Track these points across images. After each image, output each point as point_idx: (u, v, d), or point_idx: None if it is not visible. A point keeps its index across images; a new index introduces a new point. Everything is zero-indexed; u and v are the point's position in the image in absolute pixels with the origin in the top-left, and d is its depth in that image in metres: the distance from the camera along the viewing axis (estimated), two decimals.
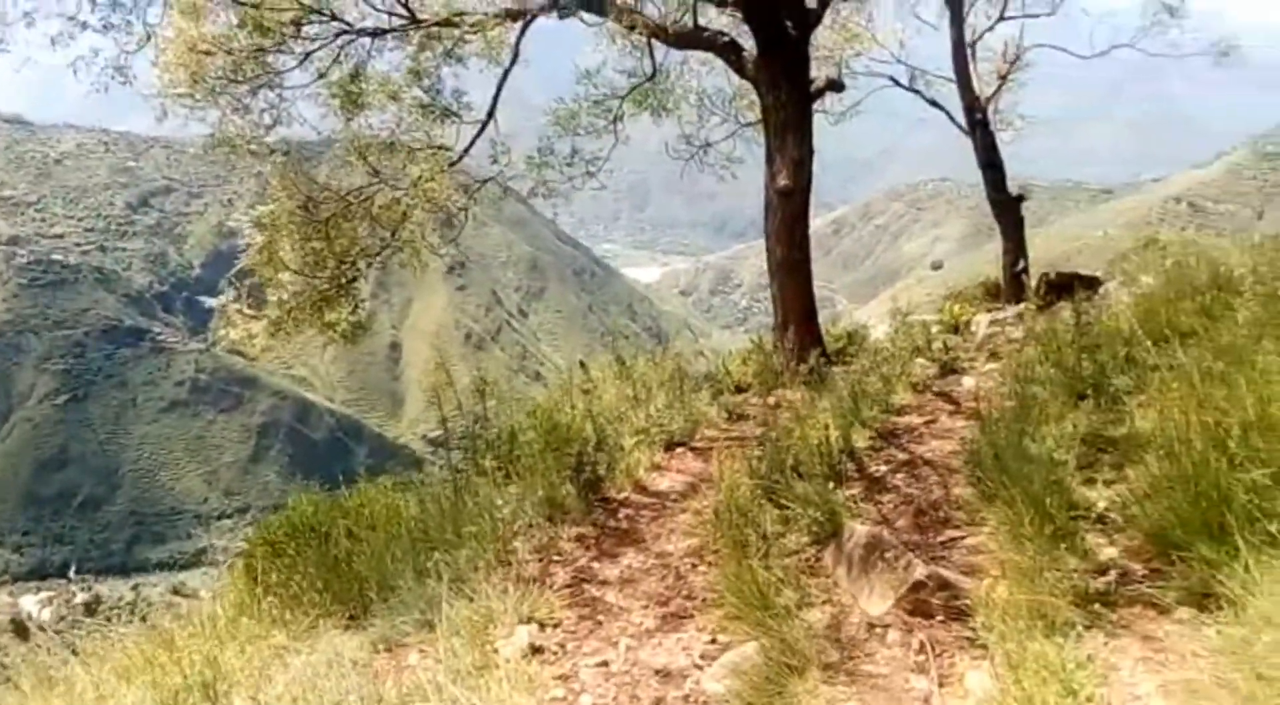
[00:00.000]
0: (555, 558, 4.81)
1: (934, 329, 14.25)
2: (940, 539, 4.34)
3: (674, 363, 9.48)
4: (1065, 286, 12.21)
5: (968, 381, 8.87)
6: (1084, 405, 5.64)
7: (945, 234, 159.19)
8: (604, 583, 4.55)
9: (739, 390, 10.21)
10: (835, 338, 12.94)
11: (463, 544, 4.77)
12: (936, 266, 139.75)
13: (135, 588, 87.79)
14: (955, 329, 13.67)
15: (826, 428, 5.62)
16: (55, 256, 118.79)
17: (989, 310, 14.24)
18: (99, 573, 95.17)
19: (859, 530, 4.11)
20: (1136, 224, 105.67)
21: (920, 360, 10.86)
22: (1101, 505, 4.13)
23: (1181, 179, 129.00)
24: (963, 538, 4.33)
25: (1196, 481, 3.71)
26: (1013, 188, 16.06)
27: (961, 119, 16.01)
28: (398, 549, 4.83)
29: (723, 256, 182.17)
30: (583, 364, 9.12)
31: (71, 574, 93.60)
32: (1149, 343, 6.48)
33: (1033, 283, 14.43)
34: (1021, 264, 15.57)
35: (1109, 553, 3.78)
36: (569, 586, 4.48)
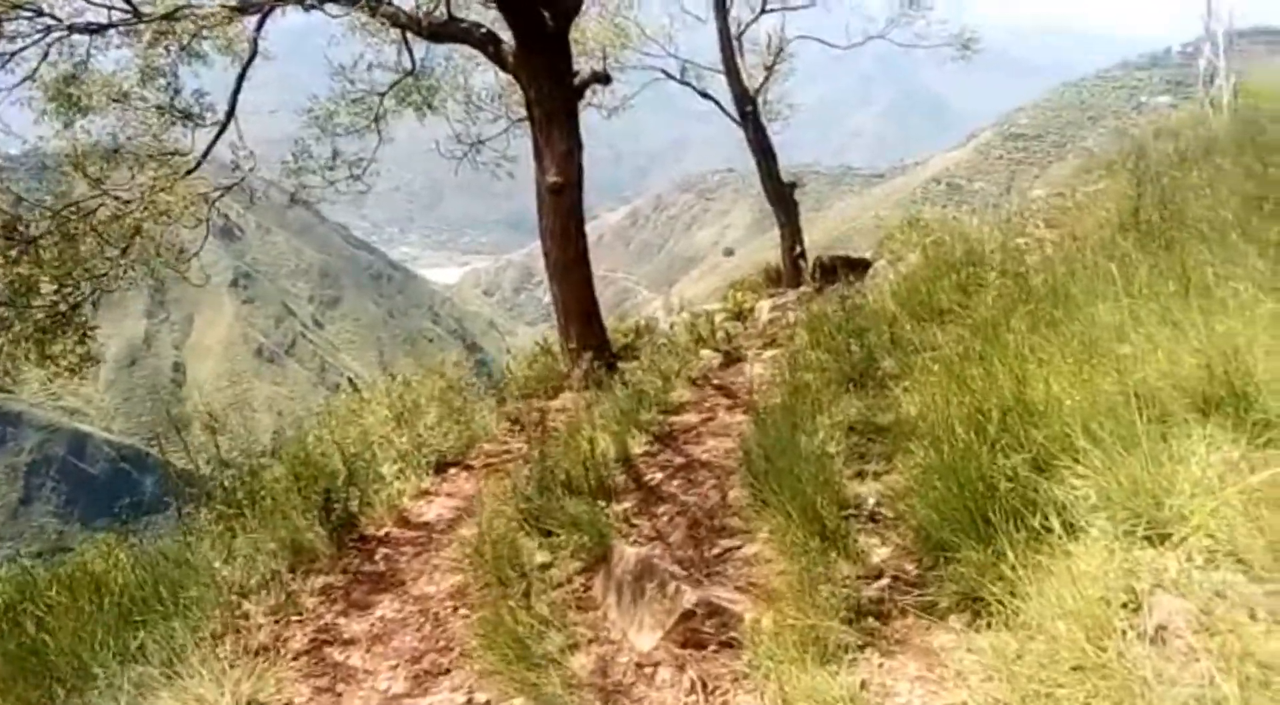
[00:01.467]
0: (294, 617, 4.17)
1: (719, 318, 14.30)
2: (715, 552, 4.02)
3: (452, 372, 8.90)
4: (838, 269, 12.45)
5: (749, 370, 8.78)
6: (854, 391, 5.51)
7: (734, 221, 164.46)
8: (349, 642, 3.95)
9: (524, 397, 9.74)
10: (624, 333, 12.70)
11: (180, 613, 4.05)
12: (729, 253, 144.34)
13: None
14: (739, 316, 13.73)
15: (593, 438, 5.24)
16: None
17: (771, 296, 14.41)
18: None
19: (628, 553, 3.73)
20: (904, 204, 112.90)
21: (705, 351, 10.75)
22: (871, 501, 3.92)
23: (939, 160, 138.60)
24: (738, 548, 4.02)
25: (959, 471, 3.53)
26: (786, 176, 16.36)
27: (733, 110, 16.16)
28: (100, 627, 4.04)
29: (523, 254, 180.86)
30: (351, 382, 8.37)
31: None
32: (911, 323, 6.50)
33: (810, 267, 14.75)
34: (798, 248, 15.89)
35: (881, 554, 3.56)
36: (307, 652, 3.86)
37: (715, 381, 7.42)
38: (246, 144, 9.65)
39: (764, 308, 13.48)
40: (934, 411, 4.25)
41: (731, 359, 9.95)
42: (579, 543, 4.07)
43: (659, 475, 5.10)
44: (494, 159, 12.77)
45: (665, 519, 4.50)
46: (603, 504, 4.49)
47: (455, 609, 4.12)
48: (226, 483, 5.32)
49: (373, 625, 4.08)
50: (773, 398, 5.95)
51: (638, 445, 5.59)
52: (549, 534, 4.32)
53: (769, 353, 9.88)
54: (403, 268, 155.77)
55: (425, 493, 5.83)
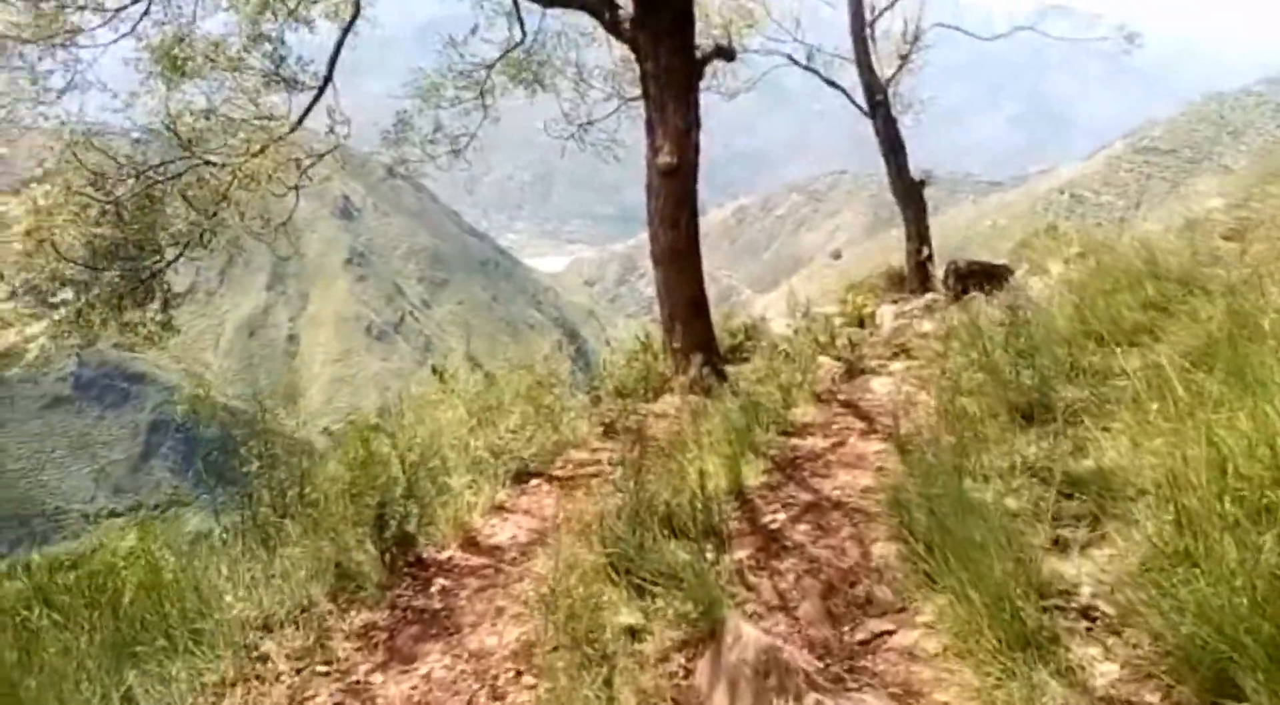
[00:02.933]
0: (321, 667, 3.34)
1: (836, 322, 13.16)
2: (858, 637, 3.03)
3: (542, 367, 8.08)
4: (974, 276, 11.19)
5: (878, 385, 7.68)
6: (1027, 426, 4.42)
7: (844, 224, 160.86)
8: None
9: (621, 396, 8.85)
10: (732, 333, 11.68)
11: (185, 649, 3.26)
12: (836, 256, 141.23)
13: None
14: (859, 322, 12.58)
15: (701, 462, 4.28)
16: None
17: (894, 301, 13.19)
18: None
19: (747, 637, 2.76)
20: (1023, 215, 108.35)
21: (823, 359, 9.67)
22: (1086, 591, 2.85)
23: (1065, 171, 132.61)
24: (890, 633, 3.02)
25: (1225, 560, 2.46)
26: (915, 174, 15.06)
27: (862, 100, 14.94)
28: (90, 657, 3.28)
29: (628, 245, 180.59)
30: (435, 369, 7.60)
31: None
32: (1092, 345, 5.35)
33: (938, 271, 13.48)
34: (926, 252, 14.60)
35: (1107, 674, 2.51)
36: None
37: (842, 397, 6.37)
38: (346, 112, 8.99)
39: (886, 314, 12.30)
40: (1159, 463, 3.17)
41: (855, 370, 8.87)
42: (680, 609, 3.12)
43: (781, 517, 4.10)
44: (603, 141, 11.89)
45: (791, 578, 3.51)
46: (711, 552, 3.52)
47: (518, 675, 3.22)
48: (274, 482, 4.55)
49: (414, 688, 3.22)
50: (918, 425, 4.90)
51: (754, 474, 4.60)
52: (641, 588, 3.38)
53: (897, 365, 8.76)
54: (509, 255, 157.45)
55: (499, 508, 4.97)
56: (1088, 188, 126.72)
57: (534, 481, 5.45)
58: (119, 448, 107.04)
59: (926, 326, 10.71)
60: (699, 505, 3.78)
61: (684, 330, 8.40)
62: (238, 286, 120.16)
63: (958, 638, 2.77)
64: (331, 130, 8.70)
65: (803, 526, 3.97)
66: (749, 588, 3.43)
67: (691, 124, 8.04)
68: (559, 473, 5.67)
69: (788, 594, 3.37)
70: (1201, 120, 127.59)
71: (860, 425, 5.44)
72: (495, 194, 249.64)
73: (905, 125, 15.57)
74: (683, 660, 3.01)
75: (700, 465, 4.24)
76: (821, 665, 2.82)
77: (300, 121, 8.72)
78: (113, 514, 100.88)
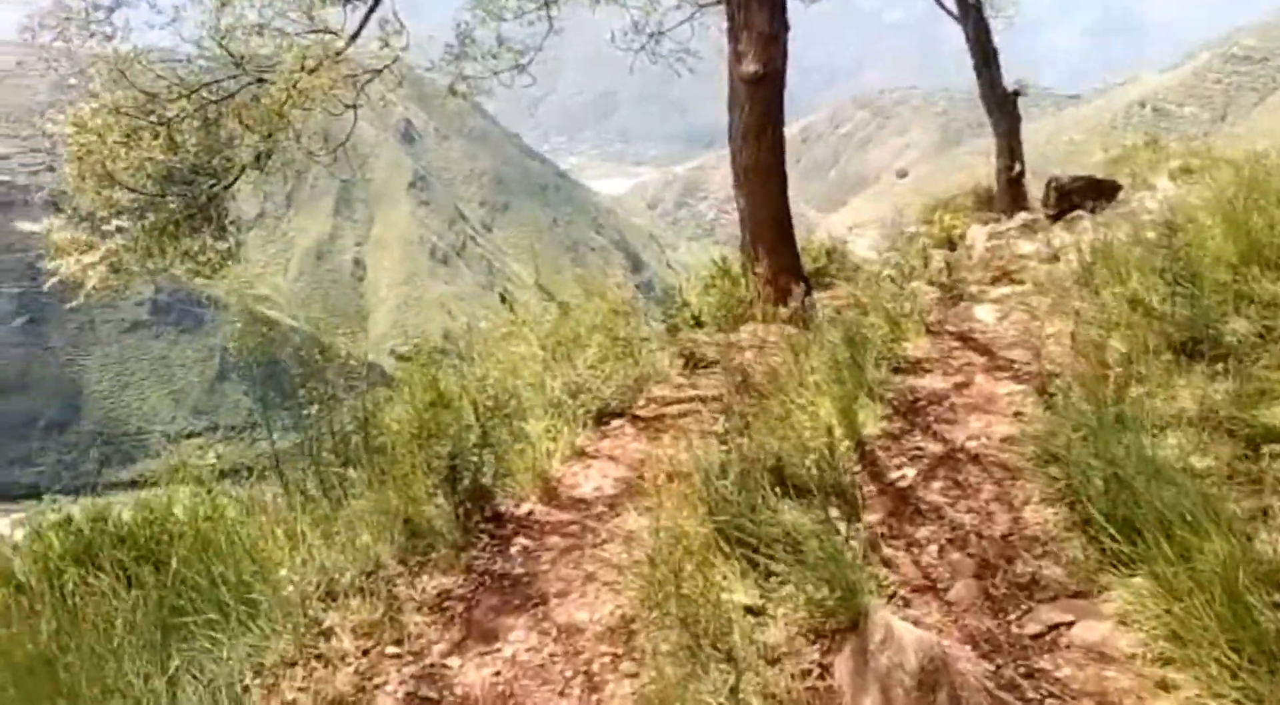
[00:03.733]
0: (391, 647, 2.91)
1: (924, 244, 12.37)
2: (1031, 630, 2.49)
3: (615, 294, 7.56)
4: (1077, 192, 10.29)
5: (982, 313, 7.00)
6: (1192, 366, 3.77)
7: (912, 142, 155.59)
8: (462, 700, 2.67)
9: (699, 325, 8.30)
10: (813, 256, 10.99)
11: (240, 622, 2.86)
12: (902, 175, 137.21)
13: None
14: (949, 243, 11.77)
15: (814, 405, 3.73)
16: (3, 178, 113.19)
17: (985, 221, 12.31)
18: (70, 493, 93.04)
19: (903, 637, 2.24)
20: (1101, 129, 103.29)
21: (917, 284, 8.98)
22: None
23: (1148, 82, 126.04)
24: (1068, 625, 2.47)
25: None
26: (1008, 83, 13.96)
27: (952, 4, 13.79)
28: (135, 631, 2.90)
29: (690, 167, 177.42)
30: (504, 298, 7.12)
31: (43, 496, 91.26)
32: (1260, 270, 4.62)
33: (1032, 189, 12.54)
34: (1018, 168, 13.61)
35: None
36: None
37: (951, 329, 5.71)
38: (403, 22, 8.37)
39: (978, 235, 11.46)
40: None
41: (954, 297, 8.18)
42: (811, 593, 2.60)
43: (909, 472, 3.54)
44: (675, 52, 11.08)
45: (934, 551, 2.97)
46: (838, 517, 2.99)
47: (615, 662, 2.76)
48: (337, 425, 4.13)
49: (498, 674, 2.78)
50: (1053, 361, 4.27)
51: (872, 420, 4.03)
52: (754, 559, 2.87)
53: (999, 290, 8.04)
54: (570, 177, 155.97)
55: (581, 453, 4.49)
56: (1170, 100, 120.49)
57: (615, 422, 4.96)
58: (195, 370, 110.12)
59: (1026, 248, 9.91)
60: (820, 458, 3.24)
61: (768, 254, 7.78)
62: (305, 211, 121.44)
63: (1167, 637, 2.22)
64: (386, 43, 8.09)
65: (937, 484, 3.41)
66: (885, 564, 2.91)
67: (780, 28, 7.28)
68: (642, 412, 5.17)
69: (934, 573, 2.83)
70: None
71: (981, 361, 4.81)
72: (557, 116, 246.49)
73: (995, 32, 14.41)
74: (815, 656, 2.51)
75: (813, 409, 3.69)
76: (991, 668, 2.30)
77: (356, 35, 8.13)
78: (191, 435, 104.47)
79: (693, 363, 6.61)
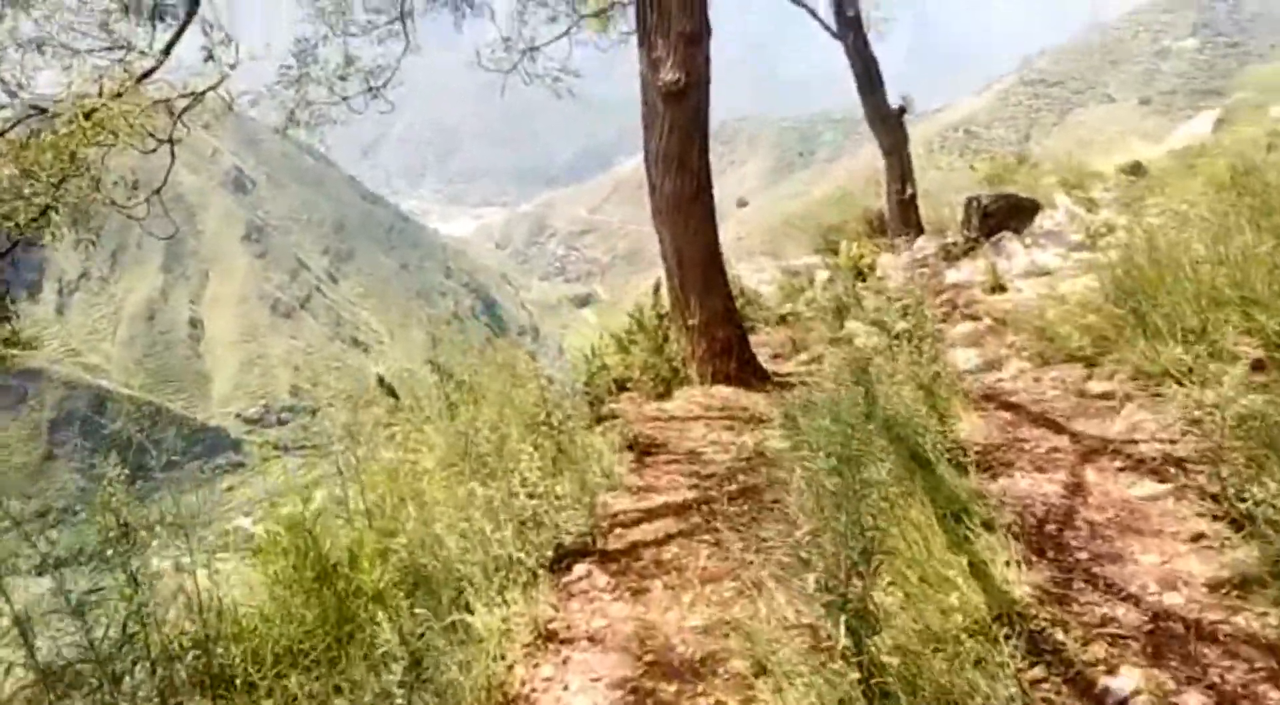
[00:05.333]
0: None
1: (820, 276, 11.34)
2: None
3: (524, 365, 6.04)
4: (999, 213, 9.42)
5: (963, 360, 5.81)
6: None
7: (749, 172, 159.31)
8: None
9: (621, 388, 6.85)
10: None
11: None
12: (742, 204, 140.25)
13: None
14: (857, 274, 10.73)
15: (899, 536, 2.33)
16: None
17: (890, 248, 11.38)
18: None
19: None
20: (921, 152, 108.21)
21: (854, 325, 7.81)
22: None
23: (960, 107, 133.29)
24: None
25: None
26: (893, 101, 13.20)
27: (831, 23, 12.95)
28: None
29: (537, 204, 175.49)
30: (382, 381, 5.44)
31: None
32: None
33: (935, 211, 11.72)
34: (910, 190, 12.82)
35: None
36: None
37: (997, 397, 4.42)
38: (229, 33, 6.62)
39: (891, 264, 10.48)
40: None
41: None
42: None
43: (1130, 680, 2.13)
44: (551, 70, 9.69)
45: None
46: None
47: None
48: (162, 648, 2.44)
49: None
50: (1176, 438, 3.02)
51: (1012, 573, 2.61)
52: None
53: (957, 330, 6.93)
54: (414, 220, 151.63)
55: (548, 637, 2.93)
56: (980, 123, 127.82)
57: (579, 569, 3.42)
58: (19, 451, 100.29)
59: (955, 276, 8.94)
60: (984, 665, 1.80)
61: (700, 301, 6.42)
62: (131, 271, 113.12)
63: None
64: (211, 55, 6.32)
65: (1195, 700, 2.04)
66: None
67: (703, 28, 5.97)
68: (611, 544, 3.65)
69: None
70: (1088, 50, 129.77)
71: (1064, 443, 3.54)
72: (395, 157, 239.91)
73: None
74: None
75: (910, 550, 2.28)
76: None
77: (169, 49, 6.33)
78: (18, 523, 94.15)
79: (640, 451, 5.14)
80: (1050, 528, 2.83)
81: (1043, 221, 9.73)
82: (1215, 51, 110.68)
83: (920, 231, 12.29)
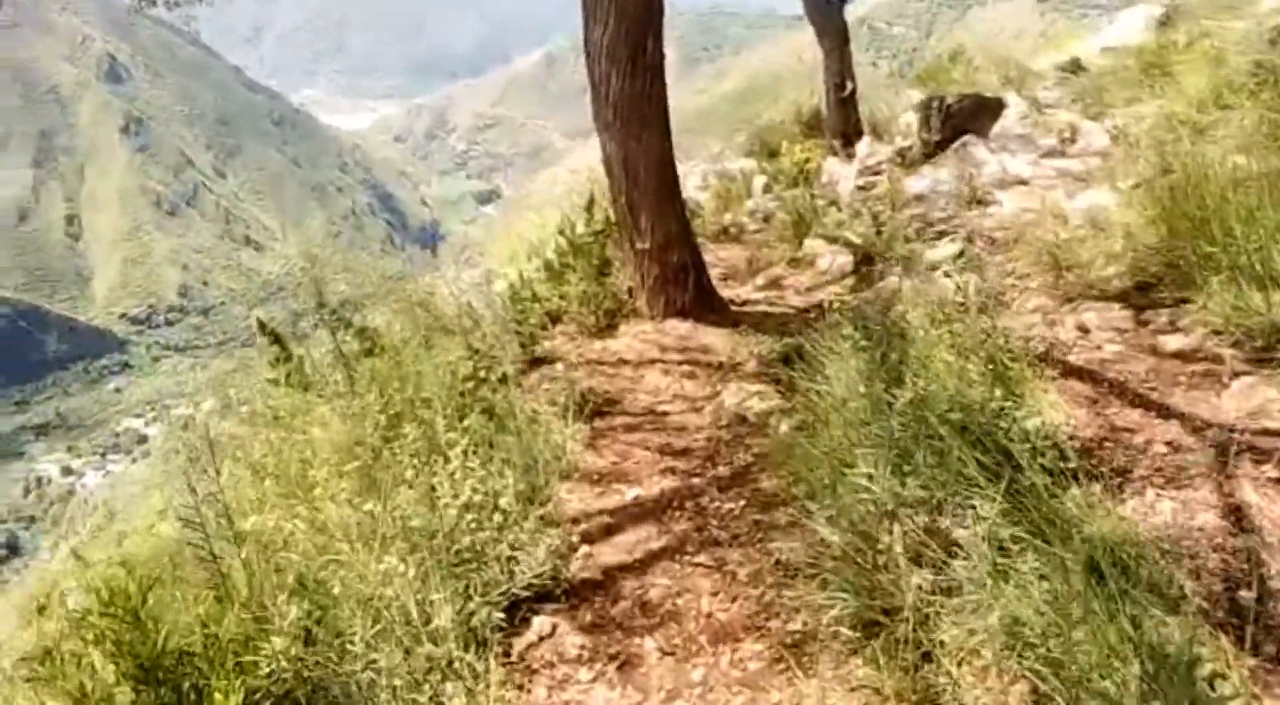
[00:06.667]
0: None
1: (758, 182, 10.30)
2: None
3: (443, 303, 4.95)
4: (966, 114, 8.47)
5: (1036, 321, 4.88)
6: None
7: None
8: None
9: (554, 322, 5.76)
10: None
11: None
12: None
13: None
14: (799, 180, 9.72)
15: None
16: None
17: (833, 152, 10.37)
18: None
19: None
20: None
21: (815, 244, 6.85)
22: None
23: (865, 4, 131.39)
24: None
25: None
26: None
27: None
28: None
29: (437, 97, 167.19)
30: (263, 327, 4.24)
31: None
32: None
33: (905, 113, 10.69)
34: (850, 86, 11.74)
35: None
36: None
37: (1052, 356, 3.47)
38: None
39: (838, 171, 9.50)
40: None
41: (874, 262, 6.12)
42: None
43: None
44: None
45: None
46: None
47: None
48: None
49: None
50: None
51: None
52: None
53: (937, 253, 6.01)
54: (306, 113, 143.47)
55: None
56: (880, 19, 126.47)
57: (539, 625, 2.43)
58: None
59: (917, 186, 8.00)
60: None
61: (653, 220, 5.32)
62: None
63: None
64: None
65: None
66: None
67: None
68: (580, 573, 2.66)
69: None
70: None
71: (1169, 430, 2.61)
72: (282, 48, 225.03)
73: None
74: None
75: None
76: None
77: None
78: None
79: (591, 411, 4.12)
80: (1244, 595, 1.95)
81: (1004, 124, 8.83)
82: None
83: (860, 133, 11.28)
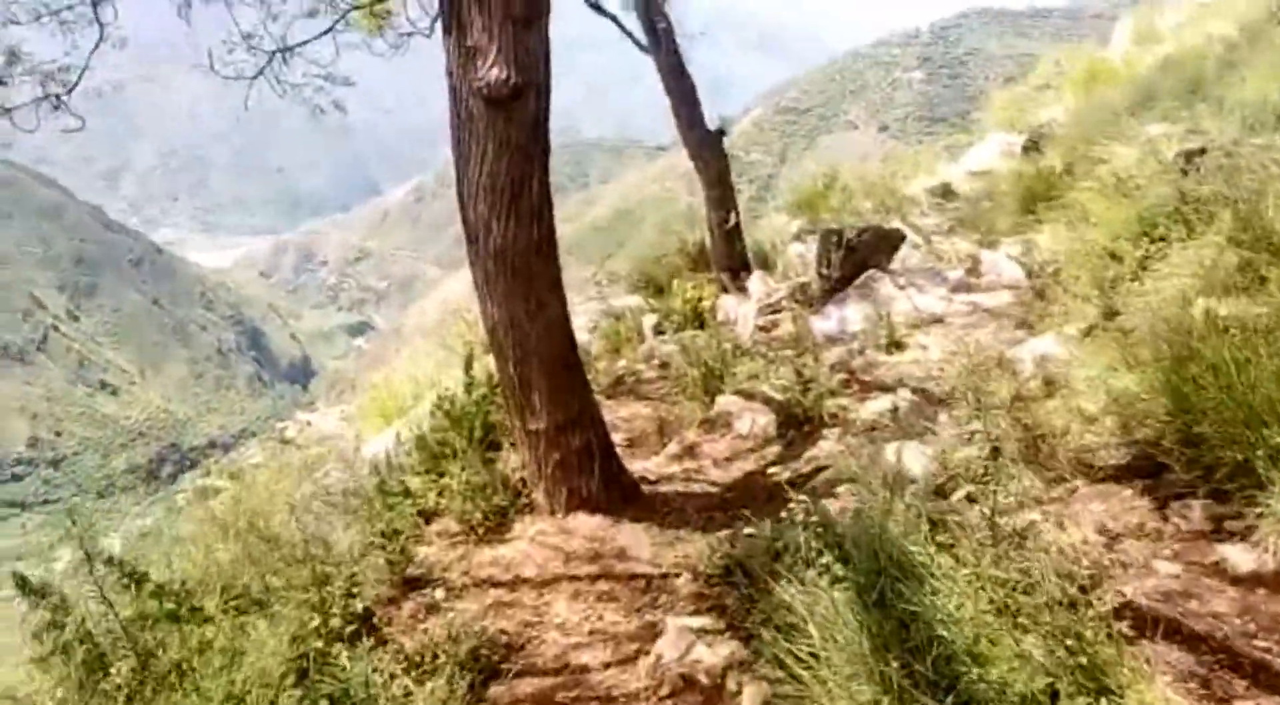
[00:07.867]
0: None
1: (647, 322, 9.55)
2: None
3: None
4: (868, 248, 7.97)
5: (911, 462, 4.08)
6: None
7: None
8: None
9: (427, 520, 4.67)
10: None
11: None
12: None
13: None
14: (695, 319, 9.02)
15: None
16: None
17: (725, 290, 9.75)
18: None
19: None
20: (687, 176, 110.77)
21: (731, 400, 6.02)
22: None
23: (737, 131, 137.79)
24: None
25: None
26: (711, 121, 11.65)
27: (640, 36, 11.23)
28: None
29: (300, 232, 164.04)
30: (23, 583, 3.02)
31: None
32: None
33: (792, 244, 10.27)
34: (734, 218, 11.30)
35: None
36: None
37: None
38: None
39: (736, 310, 8.84)
40: None
41: (809, 422, 5.32)
42: None
43: None
44: (311, 76, 7.34)
45: None
46: None
47: None
48: None
49: None
50: None
51: None
52: None
53: (867, 410, 5.26)
54: (168, 252, 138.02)
55: None
56: (739, 147, 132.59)
57: None
58: None
59: (823, 326, 7.38)
60: None
61: (549, 396, 4.37)
62: None
63: None
64: None
65: None
66: None
67: (540, 7, 3.95)
68: None
69: None
70: (828, 81, 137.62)
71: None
72: (140, 189, 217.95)
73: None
74: None
75: None
76: None
77: None
78: None
79: (485, 675, 3.05)
80: None
81: (903, 255, 8.41)
82: (938, 83, 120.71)
83: (747, 266, 10.78)
